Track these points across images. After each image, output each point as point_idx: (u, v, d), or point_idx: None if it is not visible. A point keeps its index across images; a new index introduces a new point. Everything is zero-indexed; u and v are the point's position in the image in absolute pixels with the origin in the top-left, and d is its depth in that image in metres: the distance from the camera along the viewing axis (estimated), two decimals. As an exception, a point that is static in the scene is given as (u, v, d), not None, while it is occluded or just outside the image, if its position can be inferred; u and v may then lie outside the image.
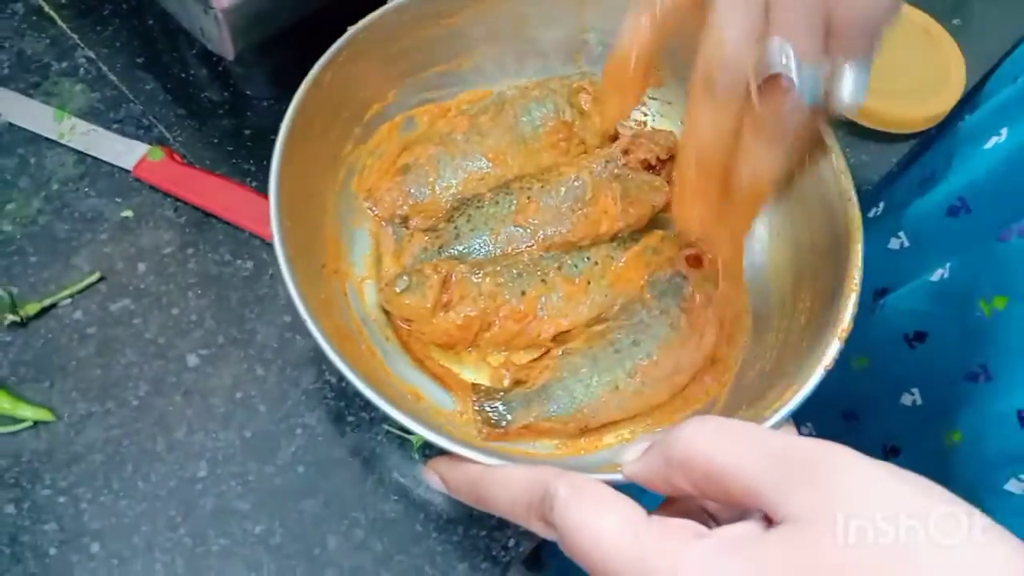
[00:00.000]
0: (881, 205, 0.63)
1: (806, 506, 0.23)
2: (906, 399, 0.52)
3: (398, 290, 0.42)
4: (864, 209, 0.65)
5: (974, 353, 0.46)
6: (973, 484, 0.45)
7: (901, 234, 0.57)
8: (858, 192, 0.60)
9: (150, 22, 0.55)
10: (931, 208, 0.55)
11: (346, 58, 0.43)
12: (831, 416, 0.59)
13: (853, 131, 0.58)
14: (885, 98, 0.58)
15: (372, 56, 0.45)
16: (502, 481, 0.31)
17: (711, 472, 0.25)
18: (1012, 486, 0.44)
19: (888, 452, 0.54)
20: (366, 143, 0.47)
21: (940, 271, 0.50)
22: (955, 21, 0.63)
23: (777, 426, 0.34)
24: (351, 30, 0.43)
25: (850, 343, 0.62)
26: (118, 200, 0.48)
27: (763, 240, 0.46)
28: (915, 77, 0.59)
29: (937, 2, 0.63)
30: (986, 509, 0.22)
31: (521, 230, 0.45)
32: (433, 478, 0.34)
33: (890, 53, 0.60)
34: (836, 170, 0.41)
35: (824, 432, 0.59)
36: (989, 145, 0.53)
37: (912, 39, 0.61)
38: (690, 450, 0.25)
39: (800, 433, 0.36)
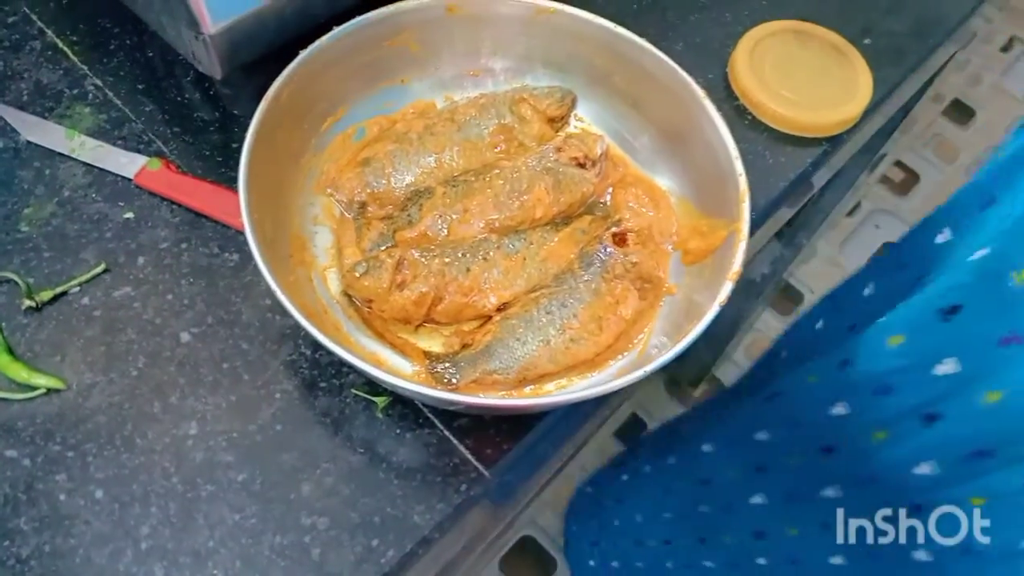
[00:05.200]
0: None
1: None
2: (939, 369, 0.55)
3: (357, 274, 0.48)
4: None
5: (1007, 320, 0.50)
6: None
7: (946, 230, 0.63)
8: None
9: (150, 54, 0.62)
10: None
11: (300, 77, 0.49)
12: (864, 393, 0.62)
13: (773, 135, 0.65)
14: (802, 106, 0.65)
15: (323, 75, 0.50)
16: None
17: None
18: None
19: (926, 419, 0.57)
20: (323, 152, 0.53)
21: (981, 251, 0.53)
22: (866, 41, 0.71)
23: (681, 350, 0.41)
24: (302, 53, 0.49)
25: (890, 324, 0.65)
26: (121, 204, 0.55)
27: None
28: (828, 88, 0.66)
29: (850, 25, 0.71)
30: None
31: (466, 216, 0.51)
32: None
33: (807, 67, 0.68)
34: (730, 156, 0.48)
35: (861, 408, 0.63)
36: None
37: (826, 55, 0.69)
38: None
39: None
